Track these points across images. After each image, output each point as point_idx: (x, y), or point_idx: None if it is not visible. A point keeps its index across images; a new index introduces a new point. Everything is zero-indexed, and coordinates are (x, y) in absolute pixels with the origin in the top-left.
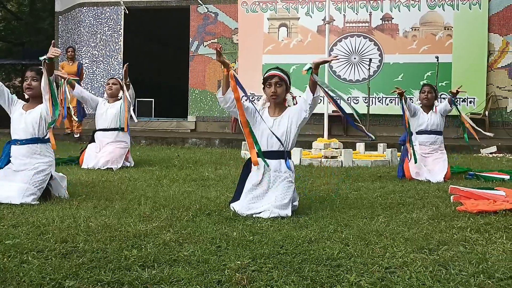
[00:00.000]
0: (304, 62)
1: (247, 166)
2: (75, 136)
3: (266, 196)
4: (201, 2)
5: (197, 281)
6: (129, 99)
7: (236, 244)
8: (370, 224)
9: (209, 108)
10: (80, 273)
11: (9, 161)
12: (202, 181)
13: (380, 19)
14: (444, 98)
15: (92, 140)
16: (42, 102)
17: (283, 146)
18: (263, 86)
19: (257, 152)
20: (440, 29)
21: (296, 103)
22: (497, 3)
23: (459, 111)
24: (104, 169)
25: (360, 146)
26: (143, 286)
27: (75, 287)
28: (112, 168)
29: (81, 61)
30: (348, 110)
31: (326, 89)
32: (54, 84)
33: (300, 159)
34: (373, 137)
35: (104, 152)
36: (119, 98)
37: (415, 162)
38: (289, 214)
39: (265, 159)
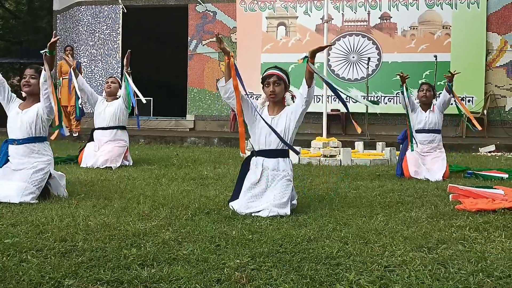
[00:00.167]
0: None
1: (246, 165)
2: (74, 135)
3: (265, 194)
4: (199, 1)
5: (196, 279)
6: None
7: (235, 243)
8: (369, 222)
9: (208, 107)
10: (80, 272)
11: (7, 160)
12: (201, 180)
13: (379, 18)
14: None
15: (91, 139)
16: (38, 101)
17: (283, 142)
18: (262, 85)
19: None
20: (439, 28)
21: None
22: (495, 2)
23: (452, 92)
24: (103, 168)
25: (359, 145)
26: (142, 285)
27: (74, 286)
28: (111, 167)
29: (79, 60)
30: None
31: (324, 78)
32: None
33: (299, 158)
34: (360, 132)
35: (102, 151)
36: (117, 96)
37: (412, 149)
38: (288, 213)
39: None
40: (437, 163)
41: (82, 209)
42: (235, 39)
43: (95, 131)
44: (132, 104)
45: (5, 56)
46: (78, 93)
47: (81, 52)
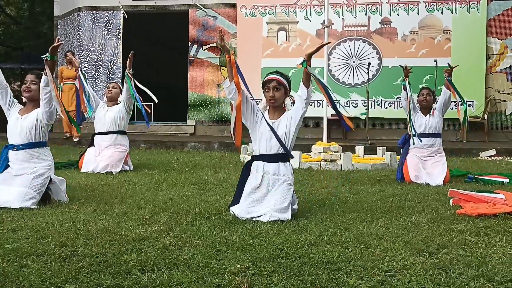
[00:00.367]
0: None
1: (246, 170)
2: (74, 140)
3: (266, 199)
4: (200, 6)
5: (196, 285)
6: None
7: (235, 248)
8: (370, 227)
9: (208, 112)
10: (80, 277)
11: (7, 166)
12: (202, 185)
13: (379, 22)
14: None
15: (92, 144)
16: (39, 106)
17: (281, 146)
18: (262, 90)
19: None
20: (439, 32)
21: None
22: (495, 7)
23: (454, 86)
24: (103, 173)
25: (360, 149)
26: None
27: None
28: (111, 172)
29: (80, 65)
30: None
31: (321, 80)
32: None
33: (300, 162)
34: (351, 128)
35: (103, 156)
36: (118, 102)
37: (414, 143)
38: (289, 217)
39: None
40: (438, 168)
41: (82, 214)
42: (236, 44)
43: (96, 136)
44: (137, 101)
45: (6, 62)
46: (89, 90)
47: (82, 57)
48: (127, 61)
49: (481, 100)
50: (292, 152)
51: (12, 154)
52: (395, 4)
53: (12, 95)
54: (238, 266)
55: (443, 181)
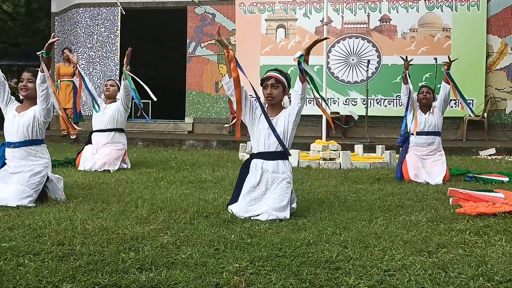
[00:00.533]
0: None
1: (245, 168)
2: (72, 137)
3: (264, 198)
4: (198, 3)
5: (195, 284)
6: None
7: (234, 247)
8: (369, 226)
9: (207, 109)
10: (77, 276)
11: (4, 163)
12: (200, 183)
13: (378, 20)
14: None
15: (89, 141)
16: (35, 104)
17: (280, 143)
18: (261, 87)
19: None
20: (439, 30)
21: None
22: (495, 5)
23: (452, 79)
24: (101, 171)
25: (359, 148)
26: None
27: None
28: (109, 170)
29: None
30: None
31: (313, 76)
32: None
33: (298, 161)
34: (338, 121)
35: (100, 154)
36: (116, 99)
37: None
38: (288, 216)
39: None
40: (437, 166)
41: (80, 212)
42: (234, 41)
43: (93, 133)
44: (135, 98)
45: (2, 58)
46: (90, 88)
47: (79, 54)
48: (124, 58)
49: (481, 99)
50: (291, 151)
51: (9, 151)
52: (395, 2)
53: (10, 92)
54: (237, 265)
55: (442, 180)
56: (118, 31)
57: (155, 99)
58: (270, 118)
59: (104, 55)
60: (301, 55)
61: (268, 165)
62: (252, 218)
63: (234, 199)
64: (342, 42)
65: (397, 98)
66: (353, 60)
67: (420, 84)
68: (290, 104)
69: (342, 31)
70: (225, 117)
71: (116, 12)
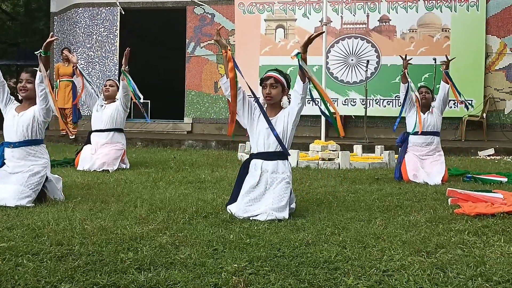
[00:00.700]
0: None
1: (244, 168)
2: (70, 137)
3: (263, 198)
4: (198, 3)
5: (193, 284)
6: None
7: (233, 247)
8: (368, 227)
9: (206, 109)
10: (76, 276)
11: (3, 163)
12: (199, 183)
13: (378, 20)
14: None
15: (88, 141)
16: (35, 104)
17: (279, 143)
18: (260, 87)
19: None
20: (438, 31)
21: None
22: (494, 5)
23: (450, 78)
24: (99, 171)
25: (358, 148)
26: None
27: None
28: (108, 170)
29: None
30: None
31: (311, 74)
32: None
33: (297, 161)
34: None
35: (99, 154)
36: (115, 99)
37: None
38: (286, 216)
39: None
40: (436, 167)
41: (78, 212)
42: (234, 41)
43: (92, 133)
44: (136, 98)
45: (1, 58)
46: (89, 86)
47: (79, 54)
48: (123, 58)
49: (480, 99)
50: (290, 151)
51: (8, 151)
52: (394, 2)
53: (9, 92)
54: (235, 265)
55: (441, 180)
56: (117, 31)
57: (141, 97)
58: (270, 118)
59: (103, 55)
60: (298, 53)
61: (267, 165)
62: (251, 218)
63: (233, 199)
64: (341, 43)
65: (396, 98)
66: (352, 60)
67: (419, 85)
68: (289, 104)
69: (341, 31)
70: (224, 117)
71: (115, 12)
